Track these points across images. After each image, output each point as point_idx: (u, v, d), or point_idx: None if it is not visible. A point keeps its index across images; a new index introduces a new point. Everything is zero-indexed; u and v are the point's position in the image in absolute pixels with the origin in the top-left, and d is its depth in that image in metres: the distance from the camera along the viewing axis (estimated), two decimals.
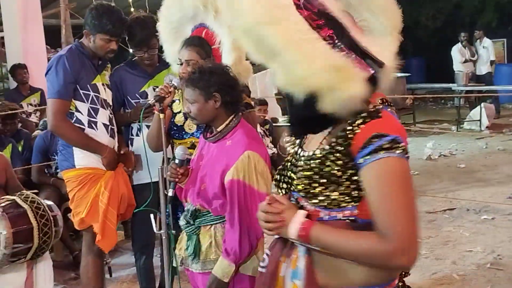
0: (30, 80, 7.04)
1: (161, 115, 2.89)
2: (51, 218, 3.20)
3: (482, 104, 10.55)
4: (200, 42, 2.97)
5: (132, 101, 3.54)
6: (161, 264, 3.45)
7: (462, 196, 6.04)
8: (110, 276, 4.07)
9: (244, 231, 2.36)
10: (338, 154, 1.51)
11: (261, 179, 2.38)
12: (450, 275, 4.19)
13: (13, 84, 7.29)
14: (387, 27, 2.05)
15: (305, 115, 1.57)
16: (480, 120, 10.46)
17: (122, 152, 3.50)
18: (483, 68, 11.98)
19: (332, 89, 1.48)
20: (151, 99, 3.08)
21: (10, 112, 5.04)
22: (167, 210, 2.83)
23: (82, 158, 3.33)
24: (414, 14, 15.16)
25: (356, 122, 1.51)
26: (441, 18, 15.80)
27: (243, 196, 2.36)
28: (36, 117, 6.75)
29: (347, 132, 1.51)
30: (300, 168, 1.58)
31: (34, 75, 7.01)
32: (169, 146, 3.07)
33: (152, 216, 2.94)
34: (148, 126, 3.42)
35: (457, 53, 11.76)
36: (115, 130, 3.48)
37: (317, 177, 1.53)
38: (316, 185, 1.53)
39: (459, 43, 11.86)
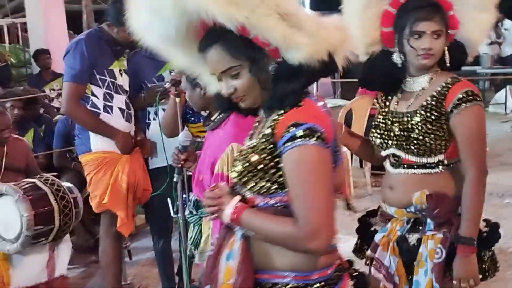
0: (52, 65, 7.08)
1: (177, 99, 2.90)
2: (71, 199, 3.26)
3: (508, 87, 10.35)
4: None
5: (150, 85, 3.53)
6: (180, 248, 3.47)
7: None
8: (130, 259, 4.10)
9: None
10: (265, 143, 1.56)
11: None
12: None
13: (36, 69, 7.36)
14: (483, 1, 2.13)
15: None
16: (505, 103, 10.26)
17: (138, 139, 3.52)
18: (508, 50, 11.71)
19: None
20: (166, 83, 3.08)
21: (31, 96, 5.09)
22: (184, 194, 2.82)
23: (98, 142, 3.36)
24: None
25: (280, 112, 1.56)
26: None
27: None
28: (59, 102, 6.79)
29: (272, 121, 1.57)
30: (238, 157, 1.65)
31: (56, 60, 7.04)
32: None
33: (169, 200, 2.94)
34: (164, 110, 3.44)
35: None
36: (132, 114, 3.49)
37: (247, 164, 1.58)
38: (246, 172, 1.59)
39: None
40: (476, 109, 2.11)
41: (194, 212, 2.53)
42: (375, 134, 2.31)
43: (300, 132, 1.49)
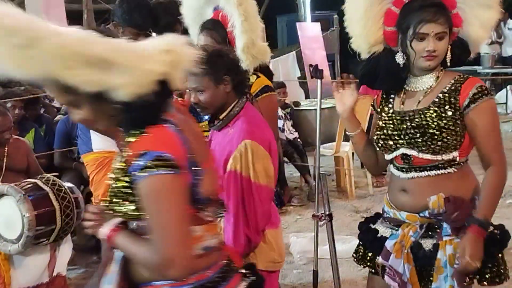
0: None
1: (179, 99, 2.90)
2: (73, 200, 3.26)
3: (508, 87, 10.35)
4: (214, 26, 2.93)
5: None
6: None
7: None
8: None
9: (238, 223, 2.31)
10: (121, 171, 1.55)
11: (259, 169, 2.32)
12: None
13: None
14: None
15: None
16: (506, 103, 10.26)
17: None
18: (509, 50, 11.68)
19: None
20: None
21: (32, 96, 5.07)
22: None
23: (99, 142, 3.33)
24: None
25: (129, 139, 1.55)
26: None
27: (239, 188, 2.30)
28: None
29: (123, 149, 1.56)
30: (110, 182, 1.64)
31: None
32: None
33: None
34: None
35: None
36: None
37: (113, 193, 1.59)
38: (114, 200, 1.59)
39: None
40: (492, 103, 2.13)
41: None
42: (382, 136, 2.24)
43: (149, 162, 1.48)
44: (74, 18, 8.11)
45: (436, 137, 2.10)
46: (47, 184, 3.23)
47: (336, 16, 10.09)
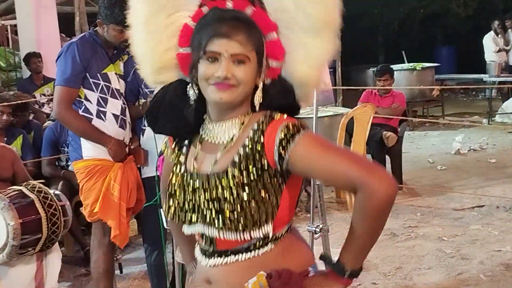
0: (43, 70, 6.95)
1: None
2: (59, 207, 3.18)
3: None
4: None
5: (146, 90, 3.40)
6: (173, 261, 3.37)
7: (492, 192, 5.82)
8: (121, 272, 3.98)
9: None
10: None
11: None
12: (477, 275, 4.01)
13: (26, 73, 7.22)
14: (314, 21, 1.53)
15: None
16: None
17: (132, 147, 3.43)
18: None
19: None
20: None
21: (20, 102, 4.94)
22: None
23: (90, 149, 3.26)
24: (444, 1, 14.86)
25: None
26: (473, 5, 15.31)
27: None
28: (49, 107, 6.66)
29: None
30: None
31: (47, 64, 6.92)
32: None
33: (161, 210, 2.85)
34: None
35: (490, 42, 11.29)
36: (127, 120, 3.38)
37: None
38: None
39: (492, 32, 11.36)
40: (307, 137, 1.51)
41: None
42: (172, 209, 1.63)
43: None
44: (66, 20, 8.00)
45: (236, 214, 1.52)
46: (32, 191, 3.16)
47: None
